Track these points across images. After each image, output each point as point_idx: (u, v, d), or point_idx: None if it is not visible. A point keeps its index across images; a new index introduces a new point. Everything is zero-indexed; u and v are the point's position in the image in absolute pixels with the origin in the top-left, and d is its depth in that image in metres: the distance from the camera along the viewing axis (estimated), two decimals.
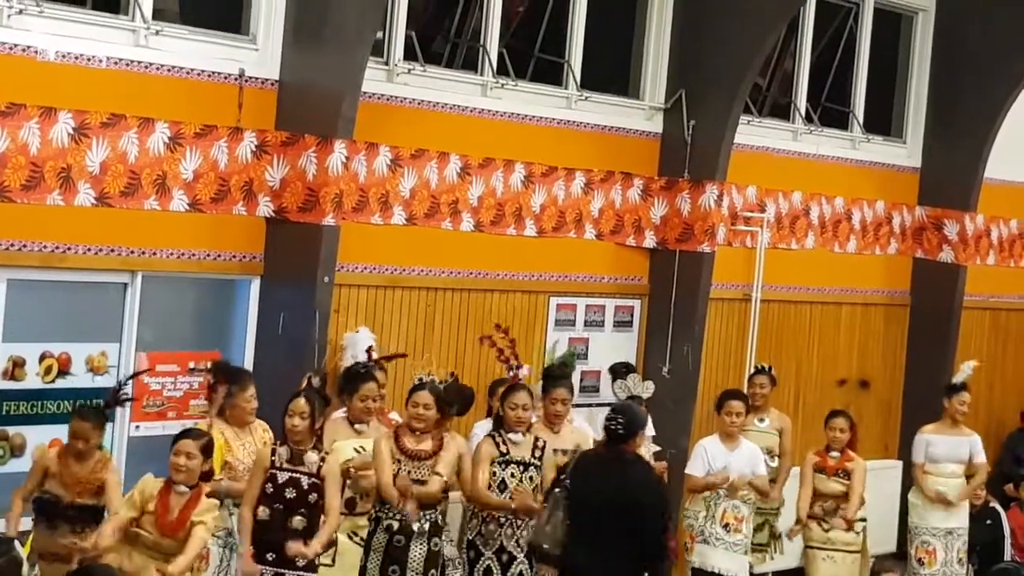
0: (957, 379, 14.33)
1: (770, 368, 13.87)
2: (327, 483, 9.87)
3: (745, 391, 13.64)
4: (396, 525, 10.53)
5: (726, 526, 12.46)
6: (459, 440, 11.27)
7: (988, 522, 15.56)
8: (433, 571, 10.63)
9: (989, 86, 16.49)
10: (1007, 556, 15.83)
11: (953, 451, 14.11)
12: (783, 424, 13.71)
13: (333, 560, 10.52)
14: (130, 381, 10.33)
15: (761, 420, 13.57)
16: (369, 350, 11.69)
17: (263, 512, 9.75)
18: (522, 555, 10.89)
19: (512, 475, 10.92)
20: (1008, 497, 16.17)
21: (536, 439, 11.09)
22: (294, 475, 9.81)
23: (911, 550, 14.08)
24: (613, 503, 9.85)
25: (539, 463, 11.00)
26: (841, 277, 16.33)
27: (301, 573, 9.85)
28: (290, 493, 9.79)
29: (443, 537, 10.86)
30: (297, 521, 9.79)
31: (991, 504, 15.69)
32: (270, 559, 9.72)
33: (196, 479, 9.35)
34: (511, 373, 11.72)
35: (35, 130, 10.34)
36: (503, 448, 10.99)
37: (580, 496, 9.95)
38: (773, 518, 13.52)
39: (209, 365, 10.86)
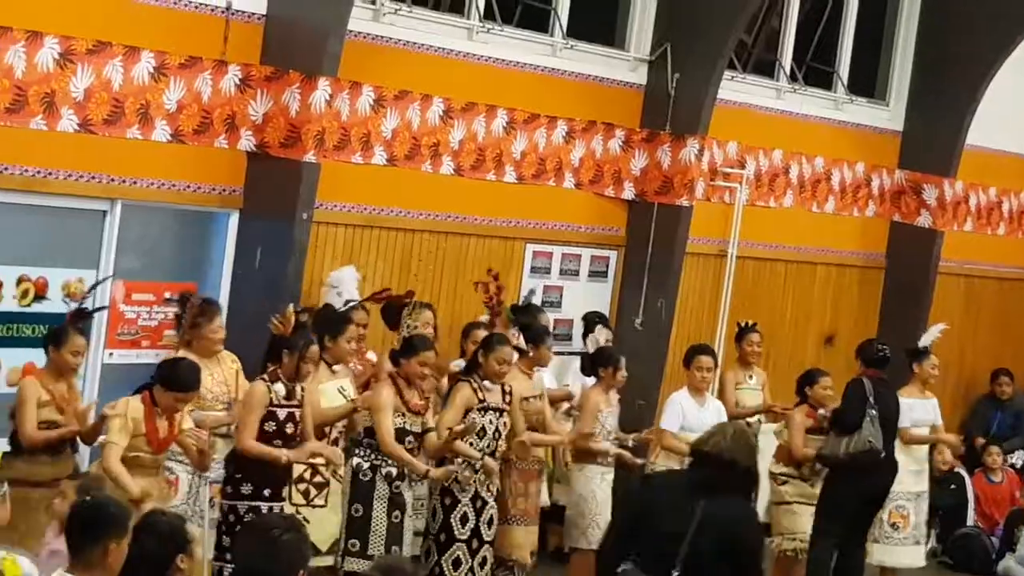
0: (925, 342, 14.12)
1: (756, 325, 13.96)
2: (306, 411, 10.02)
3: (729, 348, 13.80)
4: (395, 472, 10.52)
5: None
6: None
7: (952, 487, 15.68)
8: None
9: (975, 53, 16.49)
10: (970, 521, 16.00)
11: (927, 414, 14.14)
12: (765, 381, 13.82)
13: (326, 501, 10.56)
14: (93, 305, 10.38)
15: (751, 378, 13.66)
16: None
17: None
18: (492, 499, 10.89)
19: (491, 422, 10.84)
20: (975, 462, 16.29)
21: (503, 385, 11.03)
22: (291, 411, 9.93)
23: (883, 515, 14.09)
24: (893, 412, 12.98)
25: (508, 408, 10.99)
26: (818, 237, 16.37)
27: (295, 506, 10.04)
28: (290, 429, 9.91)
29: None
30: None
31: (956, 469, 15.81)
32: (267, 495, 9.82)
33: None
34: (486, 317, 11.77)
35: (21, 54, 10.34)
36: (480, 395, 10.85)
37: (879, 411, 12.77)
38: None
39: (177, 296, 10.81)
